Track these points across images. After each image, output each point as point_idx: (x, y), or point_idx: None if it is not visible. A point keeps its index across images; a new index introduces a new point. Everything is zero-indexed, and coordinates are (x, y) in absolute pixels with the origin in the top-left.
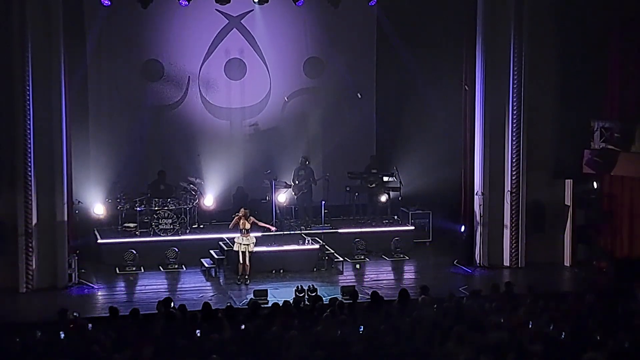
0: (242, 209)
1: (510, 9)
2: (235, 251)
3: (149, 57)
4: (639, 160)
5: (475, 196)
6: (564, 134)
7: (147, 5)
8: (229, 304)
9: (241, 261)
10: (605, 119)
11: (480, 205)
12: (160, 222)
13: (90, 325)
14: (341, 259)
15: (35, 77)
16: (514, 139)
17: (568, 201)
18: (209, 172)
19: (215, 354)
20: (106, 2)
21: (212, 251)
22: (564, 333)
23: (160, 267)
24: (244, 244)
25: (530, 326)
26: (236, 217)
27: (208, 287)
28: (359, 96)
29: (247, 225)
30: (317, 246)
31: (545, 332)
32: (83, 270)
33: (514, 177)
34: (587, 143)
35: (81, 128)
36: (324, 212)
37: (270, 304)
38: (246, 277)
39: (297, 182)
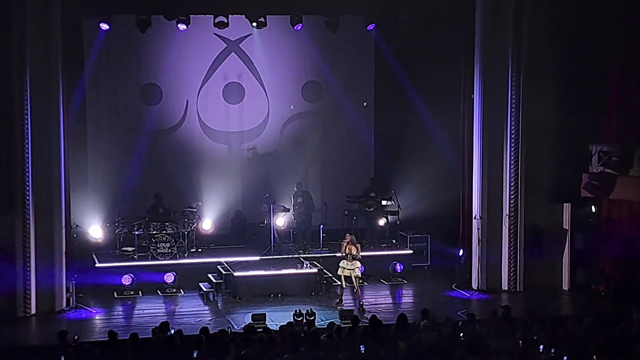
0: (349, 235)
1: (508, 31)
2: (334, 276)
3: (148, 81)
4: (637, 184)
5: (473, 220)
6: (562, 157)
7: (145, 29)
8: (226, 328)
9: (344, 285)
10: (603, 142)
11: (478, 229)
12: (158, 245)
13: (97, 349)
14: (339, 283)
15: (34, 101)
16: (512, 162)
17: (566, 225)
18: (207, 196)
19: None
20: (105, 26)
21: (210, 275)
22: (565, 357)
23: (159, 292)
24: (347, 269)
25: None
26: (344, 243)
27: (206, 311)
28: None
29: (354, 251)
30: (315, 270)
31: (548, 356)
32: (81, 295)
33: (512, 201)
34: (586, 167)
35: (79, 151)
36: (322, 236)
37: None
38: (361, 303)
39: (297, 207)
